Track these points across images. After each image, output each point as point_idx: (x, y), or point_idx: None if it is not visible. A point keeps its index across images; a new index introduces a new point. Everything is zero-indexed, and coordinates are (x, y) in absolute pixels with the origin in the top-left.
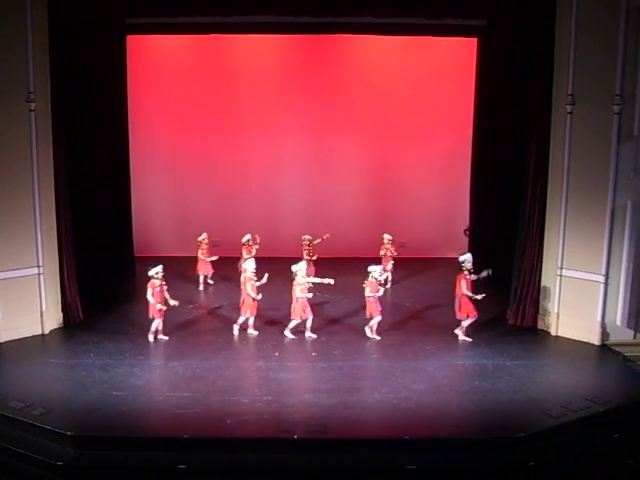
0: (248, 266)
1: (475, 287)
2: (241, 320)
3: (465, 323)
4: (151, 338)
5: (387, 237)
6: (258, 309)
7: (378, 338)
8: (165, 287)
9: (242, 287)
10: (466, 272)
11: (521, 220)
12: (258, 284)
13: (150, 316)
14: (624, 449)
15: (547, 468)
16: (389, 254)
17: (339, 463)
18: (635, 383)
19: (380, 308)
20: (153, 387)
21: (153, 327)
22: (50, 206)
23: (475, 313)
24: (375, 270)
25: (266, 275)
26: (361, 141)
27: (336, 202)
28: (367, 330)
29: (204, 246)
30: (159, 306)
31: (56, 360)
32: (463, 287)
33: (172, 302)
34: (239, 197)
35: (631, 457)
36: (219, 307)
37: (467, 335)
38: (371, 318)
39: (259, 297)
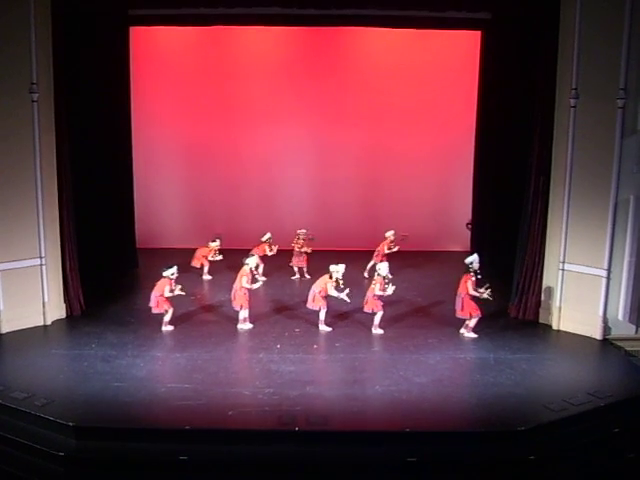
0: (251, 262)
1: (479, 283)
2: (242, 316)
3: (471, 323)
4: (170, 328)
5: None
6: (257, 301)
7: (381, 331)
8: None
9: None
10: (472, 273)
11: (524, 214)
12: (256, 285)
13: (163, 311)
14: (625, 443)
15: (548, 462)
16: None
17: (340, 455)
18: (636, 378)
19: (382, 303)
20: (155, 378)
21: (168, 318)
22: (52, 197)
23: (478, 312)
24: (381, 268)
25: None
26: (365, 133)
27: (339, 195)
28: (374, 329)
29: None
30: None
31: (58, 351)
32: (470, 288)
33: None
34: (242, 189)
35: (632, 451)
36: (222, 299)
37: (473, 332)
38: (374, 314)
39: (255, 286)
